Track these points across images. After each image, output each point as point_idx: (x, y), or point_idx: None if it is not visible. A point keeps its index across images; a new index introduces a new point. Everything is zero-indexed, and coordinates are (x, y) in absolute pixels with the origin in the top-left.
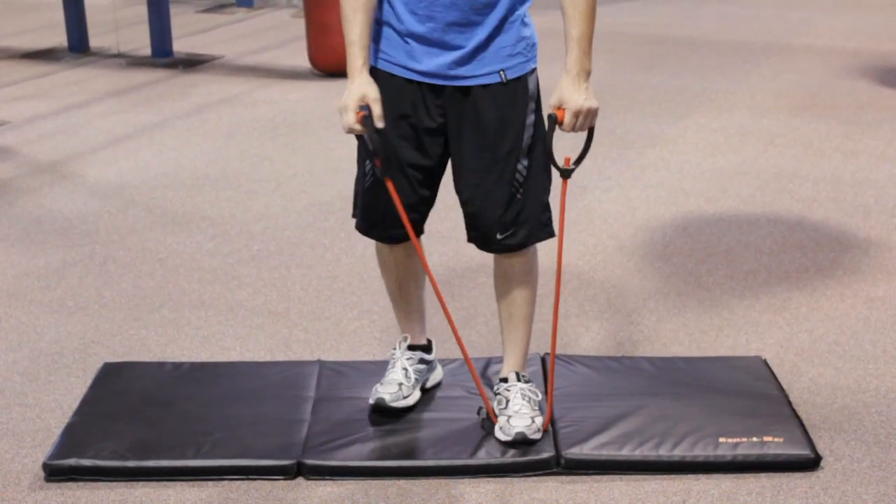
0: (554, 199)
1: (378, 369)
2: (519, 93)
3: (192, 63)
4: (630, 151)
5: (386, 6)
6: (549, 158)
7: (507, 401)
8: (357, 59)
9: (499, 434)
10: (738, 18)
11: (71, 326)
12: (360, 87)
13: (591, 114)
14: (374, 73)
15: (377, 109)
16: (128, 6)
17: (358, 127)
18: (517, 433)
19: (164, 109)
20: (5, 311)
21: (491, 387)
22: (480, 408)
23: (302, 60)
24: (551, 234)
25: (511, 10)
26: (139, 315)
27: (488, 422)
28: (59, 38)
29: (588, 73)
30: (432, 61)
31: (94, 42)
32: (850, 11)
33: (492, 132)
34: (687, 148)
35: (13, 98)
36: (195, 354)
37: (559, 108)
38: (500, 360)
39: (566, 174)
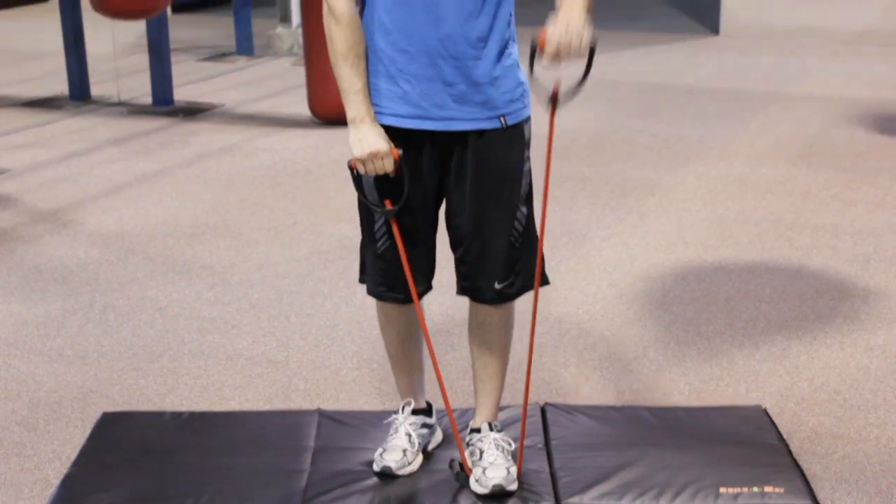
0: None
1: (378, 420)
2: (516, 139)
3: (193, 111)
4: (629, 199)
5: (373, 56)
6: (530, 73)
7: (481, 452)
8: (369, 105)
9: (475, 487)
10: (735, 67)
11: (70, 375)
12: (383, 132)
13: (581, 26)
14: None
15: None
16: (129, 55)
17: (395, 168)
18: (494, 485)
19: (165, 158)
20: (4, 360)
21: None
22: (453, 460)
23: (302, 108)
24: (545, 282)
25: (504, 45)
26: (138, 364)
27: (462, 475)
28: (60, 87)
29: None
30: (430, 102)
31: (96, 90)
32: (847, 60)
33: (491, 179)
34: (686, 196)
35: (14, 146)
36: (194, 404)
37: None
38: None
39: (554, 102)
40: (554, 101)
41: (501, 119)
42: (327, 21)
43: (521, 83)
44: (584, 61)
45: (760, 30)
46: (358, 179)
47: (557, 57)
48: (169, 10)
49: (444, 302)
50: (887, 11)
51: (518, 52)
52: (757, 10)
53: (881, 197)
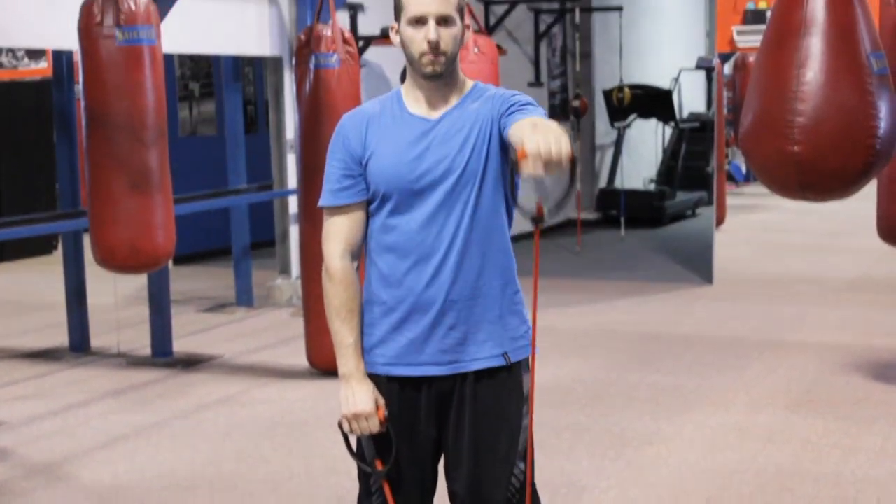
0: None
1: None
2: (515, 389)
3: (192, 362)
4: (628, 449)
5: (375, 306)
6: (513, 200)
7: None
8: (359, 360)
9: None
10: (730, 315)
11: None
12: (371, 390)
13: (559, 132)
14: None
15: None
16: (130, 306)
17: (381, 429)
18: None
19: (162, 409)
20: None
21: None
22: None
23: (300, 359)
24: None
25: (505, 283)
26: None
27: None
28: (61, 338)
29: None
30: (435, 348)
31: (96, 342)
32: (839, 307)
33: (489, 432)
34: (685, 446)
35: (12, 398)
36: None
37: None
38: None
39: (538, 221)
40: (538, 220)
41: (505, 356)
42: (323, 277)
43: (526, 321)
44: (567, 174)
45: (753, 278)
46: (347, 437)
47: (541, 163)
48: (170, 262)
49: None
50: (878, 259)
51: (523, 295)
52: (749, 260)
53: (881, 445)
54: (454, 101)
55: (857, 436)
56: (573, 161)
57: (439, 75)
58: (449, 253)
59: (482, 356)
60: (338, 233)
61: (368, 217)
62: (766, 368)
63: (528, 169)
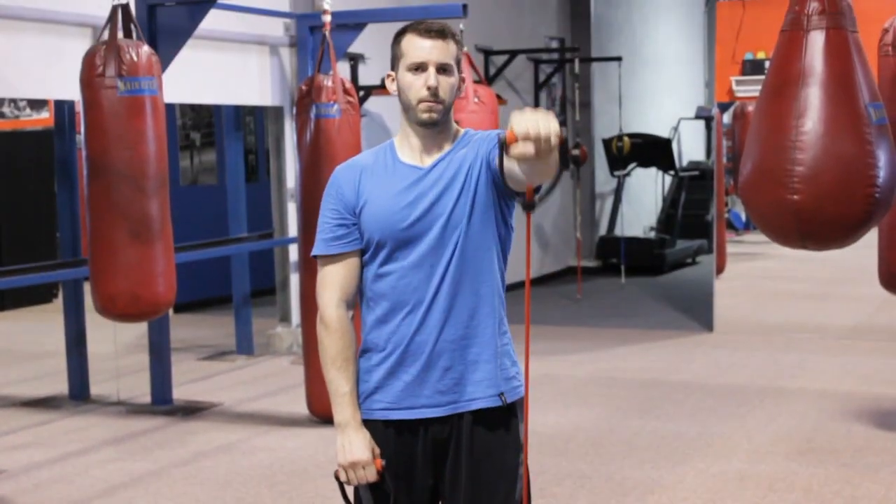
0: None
1: None
2: (512, 437)
3: (192, 410)
4: (629, 498)
5: (372, 353)
6: (503, 185)
7: None
8: (355, 409)
9: None
10: (730, 362)
11: None
12: (367, 439)
13: (546, 116)
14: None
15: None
16: (130, 354)
17: (378, 478)
18: None
19: (161, 457)
20: None
21: None
22: None
23: (300, 407)
24: None
25: (498, 322)
26: None
27: None
28: (60, 387)
29: None
30: (432, 390)
31: (95, 390)
32: (840, 355)
33: (486, 479)
34: (686, 494)
35: (11, 446)
36: None
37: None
38: None
39: (529, 207)
40: (529, 205)
41: (501, 396)
42: (318, 326)
43: (516, 362)
44: (556, 155)
45: (753, 326)
46: (344, 487)
47: (529, 145)
48: (170, 310)
49: None
50: (879, 307)
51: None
52: (749, 308)
53: (884, 493)
54: (446, 148)
55: (860, 484)
56: (562, 142)
57: (435, 123)
58: (436, 298)
59: (479, 396)
60: (332, 282)
61: (363, 266)
62: (766, 416)
63: (518, 150)
